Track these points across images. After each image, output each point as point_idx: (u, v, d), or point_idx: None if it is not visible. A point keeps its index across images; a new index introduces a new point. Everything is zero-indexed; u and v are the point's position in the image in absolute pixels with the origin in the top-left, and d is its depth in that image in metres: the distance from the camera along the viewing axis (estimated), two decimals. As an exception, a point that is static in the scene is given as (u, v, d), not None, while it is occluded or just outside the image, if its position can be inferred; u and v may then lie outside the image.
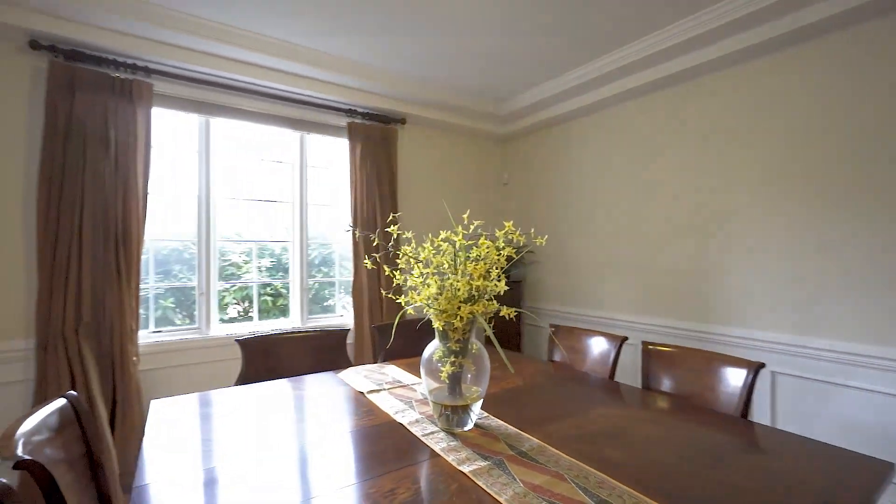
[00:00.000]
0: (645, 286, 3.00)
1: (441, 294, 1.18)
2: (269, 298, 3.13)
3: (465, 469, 0.99)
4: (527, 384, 1.67)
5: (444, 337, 1.21)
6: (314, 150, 3.25)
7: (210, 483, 0.95)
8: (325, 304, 3.34)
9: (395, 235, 1.34)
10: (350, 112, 3.19)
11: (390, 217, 2.59)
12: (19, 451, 0.84)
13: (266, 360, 1.88)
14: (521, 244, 1.32)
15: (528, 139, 4.00)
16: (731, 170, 2.53)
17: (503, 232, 1.27)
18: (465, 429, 1.22)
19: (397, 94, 3.26)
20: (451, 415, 1.21)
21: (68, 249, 2.22)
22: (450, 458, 1.04)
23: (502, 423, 1.27)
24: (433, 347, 1.25)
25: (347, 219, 3.20)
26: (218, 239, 2.86)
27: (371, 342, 2.96)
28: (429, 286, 1.19)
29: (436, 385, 1.25)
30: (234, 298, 3.03)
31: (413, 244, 1.31)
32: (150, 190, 2.46)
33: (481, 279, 1.18)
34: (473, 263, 1.20)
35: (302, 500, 0.88)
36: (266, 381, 1.69)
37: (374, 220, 3.22)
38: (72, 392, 1.19)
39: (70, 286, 2.20)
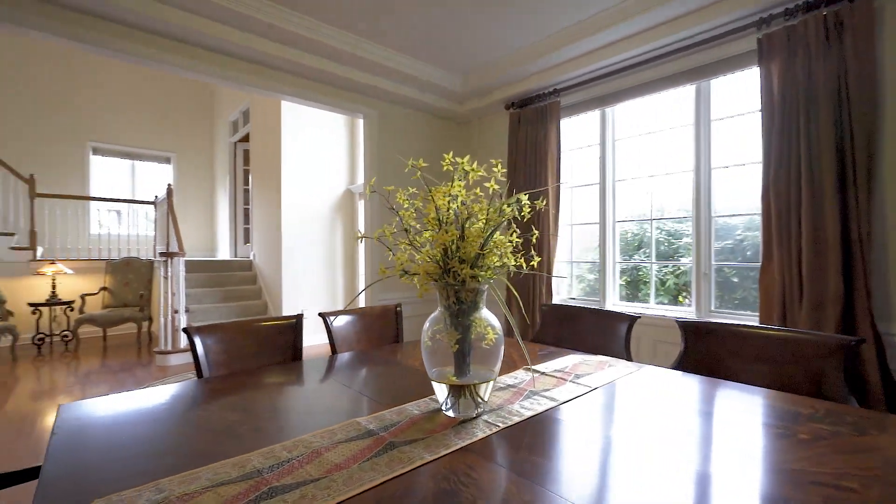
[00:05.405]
0: None
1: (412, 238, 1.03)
2: (672, 281, 2.79)
3: (362, 421, 0.95)
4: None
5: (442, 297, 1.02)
6: (715, 99, 2.53)
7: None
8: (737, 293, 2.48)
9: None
10: (761, 22, 2.19)
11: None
12: (333, 317, 1.85)
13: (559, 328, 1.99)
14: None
15: None
16: None
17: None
18: (451, 413, 0.99)
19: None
20: (450, 395, 1.02)
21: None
22: (365, 422, 0.97)
23: (513, 444, 0.88)
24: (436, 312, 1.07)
25: (756, 182, 2.19)
26: (616, 220, 2.99)
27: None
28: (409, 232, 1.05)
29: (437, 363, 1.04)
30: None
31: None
32: (561, 181, 3.10)
33: (449, 234, 0.93)
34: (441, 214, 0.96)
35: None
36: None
37: (820, 174, 1.98)
38: (399, 303, 2.13)
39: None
